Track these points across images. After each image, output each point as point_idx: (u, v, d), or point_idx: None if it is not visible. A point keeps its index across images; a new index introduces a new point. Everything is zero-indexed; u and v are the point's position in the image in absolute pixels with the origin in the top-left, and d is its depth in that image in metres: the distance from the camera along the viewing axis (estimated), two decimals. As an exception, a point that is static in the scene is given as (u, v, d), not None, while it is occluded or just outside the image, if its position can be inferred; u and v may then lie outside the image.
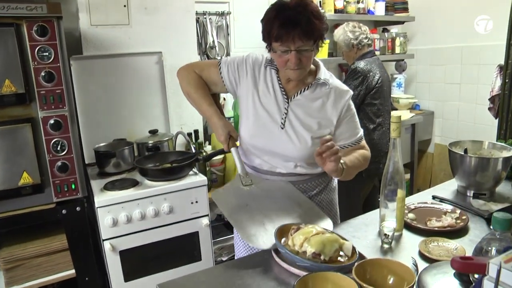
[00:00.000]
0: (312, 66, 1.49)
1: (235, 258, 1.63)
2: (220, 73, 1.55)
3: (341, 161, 1.33)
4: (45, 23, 1.66)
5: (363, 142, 1.57)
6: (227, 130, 1.50)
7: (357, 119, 1.56)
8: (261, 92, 1.51)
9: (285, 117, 1.47)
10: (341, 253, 1.14)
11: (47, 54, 1.69)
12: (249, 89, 1.52)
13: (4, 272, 1.79)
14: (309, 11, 1.34)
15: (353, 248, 1.17)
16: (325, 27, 1.41)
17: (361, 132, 1.56)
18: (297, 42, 1.33)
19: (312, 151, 1.34)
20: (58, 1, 1.72)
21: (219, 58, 2.92)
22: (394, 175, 1.31)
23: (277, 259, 1.17)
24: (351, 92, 1.55)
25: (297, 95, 1.48)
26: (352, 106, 1.54)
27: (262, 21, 1.42)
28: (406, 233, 1.36)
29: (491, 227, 0.83)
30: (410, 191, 3.87)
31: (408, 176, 3.88)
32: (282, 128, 1.47)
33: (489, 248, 0.82)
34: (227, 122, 1.53)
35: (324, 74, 1.51)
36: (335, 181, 1.69)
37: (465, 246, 1.22)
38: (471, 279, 0.73)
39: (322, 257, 1.09)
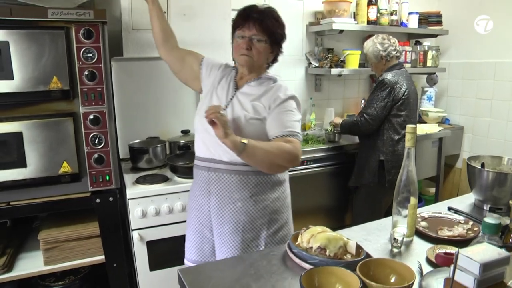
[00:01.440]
0: (271, 76, 1.71)
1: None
2: (201, 63, 1.84)
3: (244, 140, 1.41)
4: (91, 27, 1.82)
5: (292, 139, 1.55)
6: None
7: (293, 118, 1.61)
8: (219, 86, 1.73)
9: (230, 102, 1.65)
10: (348, 255, 1.22)
11: (91, 55, 1.84)
12: (213, 85, 1.75)
13: (43, 252, 1.95)
14: (269, 12, 1.63)
15: (359, 247, 1.25)
16: (280, 31, 1.65)
17: (292, 129, 1.58)
18: (252, 30, 1.59)
19: (246, 133, 1.53)
20: (104, 8, 1.87)
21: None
22: (407, 183, 1.37)
23: (291, 254, 1.26)
24: (293, 95, 1.66)
25: (244, 86, 1.68)
26: (289, 104, 1.62)
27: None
28: (416, 240, 1.41)
29: (481, 231, 0.88)
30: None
31: (433, 190, 3.87)
32: (224, 110, 1.59)
33: (477, 250, 0.88)
34: None
35: (276, 77, 1.72)
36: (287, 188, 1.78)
37: (472, 255, 1.26)
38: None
39: (327, 253, 1.18)
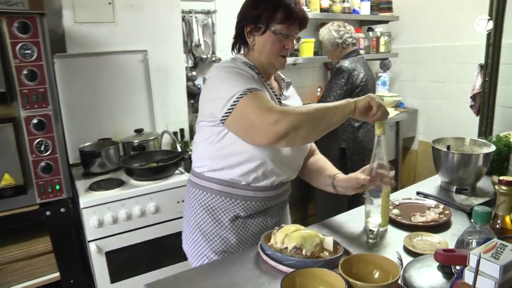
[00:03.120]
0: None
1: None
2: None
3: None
4: (27, 19, 1.64)
5: None
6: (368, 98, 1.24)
7: None
8: None
9: None
10: (325, 252, 1.16)
11: (29, 52, 1.66)
12: None
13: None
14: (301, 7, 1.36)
15: (336, 243, 1.19)
16: None
17: None
18: (296, 29, 1.34)
19: None
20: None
21: (205, 56, 2.95)
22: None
23: (264, 257, 1.18)
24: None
25: (282, 93, 1.47)
26: None
27: (257, 3, 1.31)
28: (391, 229, 1.38)
29: (472, 220, 0.84)
30: (395, 188, 3.91)
31: (393, 173, 3.93)
32: None
33: (470, 240, 0.84)
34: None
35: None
36: None
37: (448, 239, 1.24)
38: (453, 270, 0.75)
39: (304, 252, 1.11)
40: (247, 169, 1.32)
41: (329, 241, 1.18)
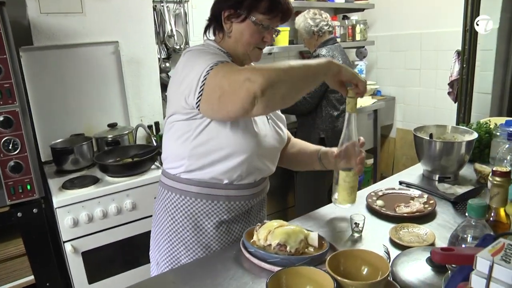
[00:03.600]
0: None
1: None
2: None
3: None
4: (-17, 9, 1.53)
5: None
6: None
7: None
8: None
9: None
10: (310, 248, 1.13)
11: (-10, 45, 1.56)
12: None
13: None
14: None
15: (322, 238, 1.16)
16: None
17: None
18: (278, 21, 1.24)
19: None
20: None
21: (178, 47, 2.85)
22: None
23: (247, 255, 1.13)
24: None
25: None
26: None
27: None
28: (375, 221, 1.36)
29: (466, 214, 0.82)
30: (373, 176, 3.94)
31: (371, 161, 3.94)
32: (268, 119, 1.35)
33: (465, 236, 0.82)
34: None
35: None
36: None
37: (434, 230, 1.22)
38: (447, 266, 0.72)
39: (288, 249, 1.08)
40: (231, 165, 1.22)
41: (314, 236, 1.14)
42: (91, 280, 1.96)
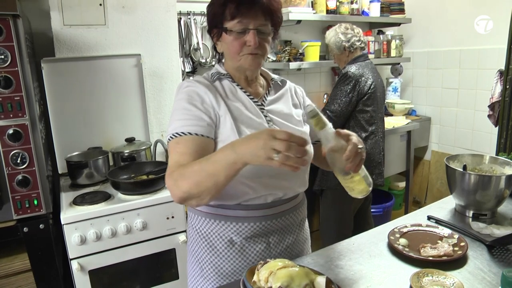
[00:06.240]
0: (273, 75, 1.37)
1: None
2: (207, 136, 1.15)
3: None
4: (-2, 22, 1.50)
5: None
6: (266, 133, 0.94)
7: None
8: (234, 111, 1.19)
9: (271, 124, 1.23)
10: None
11: (2, 57, 1.53)
12: (227, 119, 1.17)
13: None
14: None
15: (330, 282, 1.02)
16: (280, 13, 1.24)
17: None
18: (259, 19, 1.15)
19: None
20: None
21: (203, 61, 2.79)
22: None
23: (247, 296, 1.01)
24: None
25: (266, 98, 1.27)
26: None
27: (209, 6, 1.21)
28: (396, 262, 1.20)
29: (500, 286, 0.67)
30: (405, 200, 3.72)
31: (403, 184, 3.73)
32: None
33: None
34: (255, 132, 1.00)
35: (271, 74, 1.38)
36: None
37: (464, 280, 1.06)
38: None
39: None
40: (234, 184, 1.13)
41: (321, 281, 1.00)
42: (96, 301, 1.89)
